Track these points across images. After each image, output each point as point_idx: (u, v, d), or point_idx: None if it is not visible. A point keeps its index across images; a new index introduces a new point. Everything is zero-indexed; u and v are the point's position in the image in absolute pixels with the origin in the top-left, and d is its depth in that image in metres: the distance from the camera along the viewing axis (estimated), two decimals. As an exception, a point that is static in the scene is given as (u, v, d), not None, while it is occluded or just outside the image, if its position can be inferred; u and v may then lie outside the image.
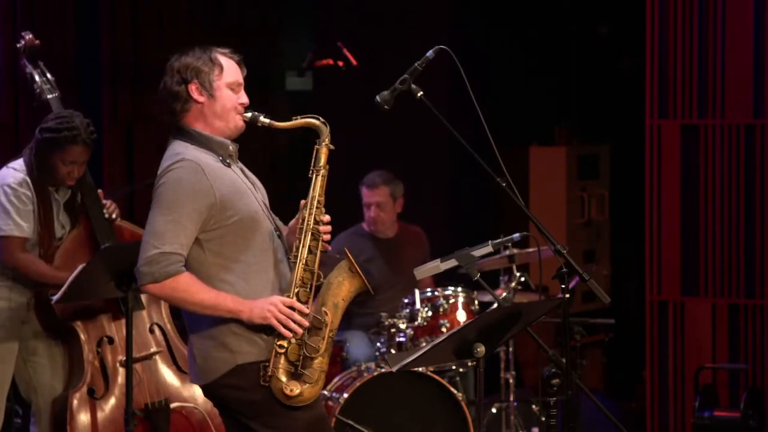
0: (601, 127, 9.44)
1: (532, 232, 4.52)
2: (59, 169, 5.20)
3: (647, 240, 7.03)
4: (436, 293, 6.45)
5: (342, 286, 4.13)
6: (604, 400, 7.06)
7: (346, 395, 5.88)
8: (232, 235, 4.07)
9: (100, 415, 5.25)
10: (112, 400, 5.29)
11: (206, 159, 4.10)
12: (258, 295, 4.06)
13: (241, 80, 4.20)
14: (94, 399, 5.26)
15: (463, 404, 6.01)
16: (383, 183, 6.96)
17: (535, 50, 9.21)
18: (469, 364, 6.28)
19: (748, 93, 6.79)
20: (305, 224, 4.13)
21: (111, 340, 5.34)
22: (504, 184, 4.23)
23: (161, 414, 5.32)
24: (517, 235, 4.70)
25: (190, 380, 4.26)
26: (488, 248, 4.38)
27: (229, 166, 4.16)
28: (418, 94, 4.27)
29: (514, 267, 6.63)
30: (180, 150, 4.10)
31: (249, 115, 4.18)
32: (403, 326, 6.30)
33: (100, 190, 5.43)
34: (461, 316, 6.40)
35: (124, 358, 5.11)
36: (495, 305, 4.55)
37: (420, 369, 5.95)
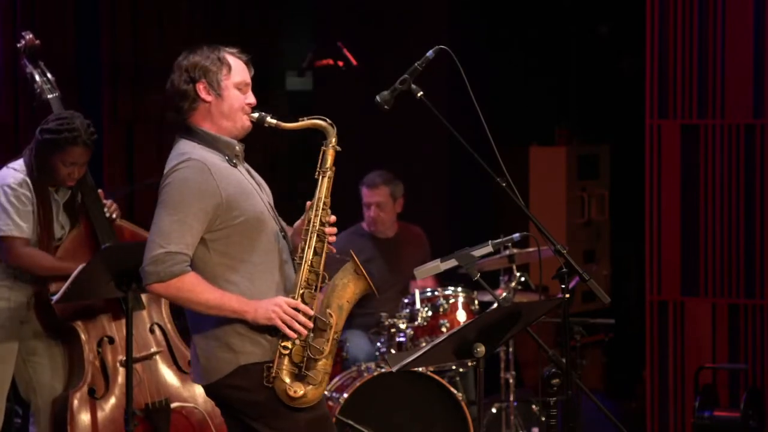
0: (601, 127, 9.44)
1: (532, 232, 4.52)
2: (59, 170, 5.20)
3: (647, 240, 7.03)
4: (436, 293, 6.45)
5: (347, 288, 4.13)
6: (604, 400, 7.06)
7: (346, 395, 5.88)
8: (237, 236, 4.06)
9: (100, 414, 5.25)
10: (113, 400, 5.29)
11: (213, 159, 4.09)
12: (263, 295, 4.06)
13: (249, 80, 4.19)
14: (94, 399, 5.26)
15: (463, 404, 6.01)
16: (383, 183, 6.96)
17: (535, 50, 9.21)
18: (469, 364, 6.28)
19: (748, 93, 6.79)
20: (311, 225, 4.12)
21: (111, 340, 5.34)
22: (504, 184, 4.23)
23: (161, 414, 5.32)
24: (517, 235, 4.70)
25: (192, 380, 4.26)
26: (488, 248, 4.38)
27: (235, 166, 4.15)
28: (418, 94, 4.27)
29: (514, 267, 6.63)
30: (187, 149, 4.09)
31: (256, 115, 4.18)
32: (403, 326, 6.30)
33: (100, 190, 5.43)
34: (461, 316, 6.40)
35: (125, 357, 5.11)
36: (495, 305, 4.55)
37: (420, 369, 5.95)
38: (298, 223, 4.24)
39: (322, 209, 4.14)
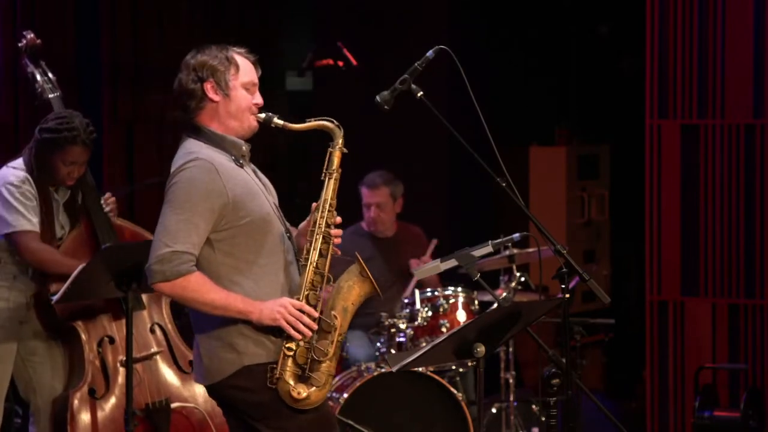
0: (601, 127, 9.44)
1: (532, 232, 4.52)
2: (59, 169, 5.20)
3: (647, 240, 7.03)
4: (436, 293, 6.45)
5: (352, 291, 4.13)
6: (604, 400, 7.06)
7: (346, 395, 5.88)
8: (243, 236, 4.06)
9: (100, 414, 5.25)
10: (113, 400, 5.29)
11: (220, 158, 4.08)
12: (267, 296, 4.05)
13: (257, 81, 4.19)
14: (94, 399, 5.26)
15: (463, 404, 6.01)
16: (383, 183, 6.96)
17: (535, 50, 9.21)
18: (469, 364, 6.28)
19: (748, 93, 6.79)
20: (317, 227, 4.12)
21: (112, 340, 5.33)
22: (504, 184, 4.22)
23: (162, 414, 5.31)
24: (517, 235, 4.70)
25: (195, 380, 4.26)
26: (488, 248, 4.38)
27: (241, 166, 4.15)
28: (418, 94, 4.27)
29: (514, 267, 6.63)
30: (194, 149, 4.09)
31: (263, 116, 4.17)
32: (403, 326, 6.30)
33: (108, 193, 5.43)
34: (461, 316, 6.40)
35: (125, 357, 5.11)
36: (495, 305, 4.55)
37: (420, 369, 5.95)
38: (303, 224, 4.24)
39: (328, 211, 4.14)
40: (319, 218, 4.13)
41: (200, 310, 4.04)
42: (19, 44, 5.53)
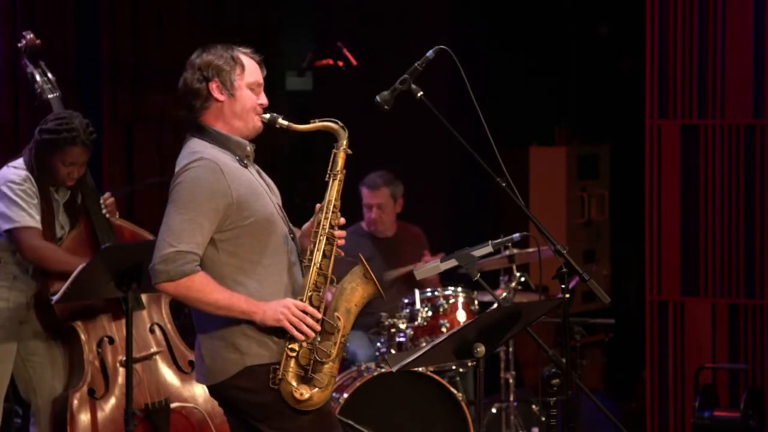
0: (601, 127, 9.44)
1: (532, 232, 4.52)
2: (59, 169, 5.20)
3: (647, 240, 7.03)
4: (436, 293, 6.45)
5: (355, 292, 4.12)
6: (604, 400, 7.06)
7: (346, 395, 5.88)
8: (247, 236, 4.05)
9: (100, 415, 5.25)
10: (113, 400, 5.29)
11: (224, 158, 4.08)
12: (270, 297, 4.04)
13: (262, 81, 4.18)
14: (94, 399, 5.26)
15: (463, 404, 6.01)
16: (384, 184, 6.96)
17: (535, 50, 9.21)
18: (469, 364, 6.28)
19: (748, 93, 6.79)
20: (320, 228, 4.11)
21: (111, 340, 5.33)
22: (504, 184, 4.22)
23: (161, 414, 5.31)
24: (517, 235, 4.70)
25: (196, 380, 4.25)
26: (488, 248, 4.38)
27: (246, 166, 4.14)
28: (418, 94, 4.27)
29: (514, 267, 6.63)
30: (198, 148, 4.08)
31: (267, 116, 4.16)
32: (403, 326, 6.30)
33: (107, 193, 5.43)
34: (461, 316, 6.40)
35: (125, 357, 5.11)
36: (495, 305, 4.55)
37: (420, 369, 5.95)
38: (306, 225, 4.23)
39: (332, 212, 4.13)
40: (323, 219, 4.12)
41: (204, 310, 4.03)
42: (19, 44, 5.53)
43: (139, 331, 5.34)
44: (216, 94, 4.12)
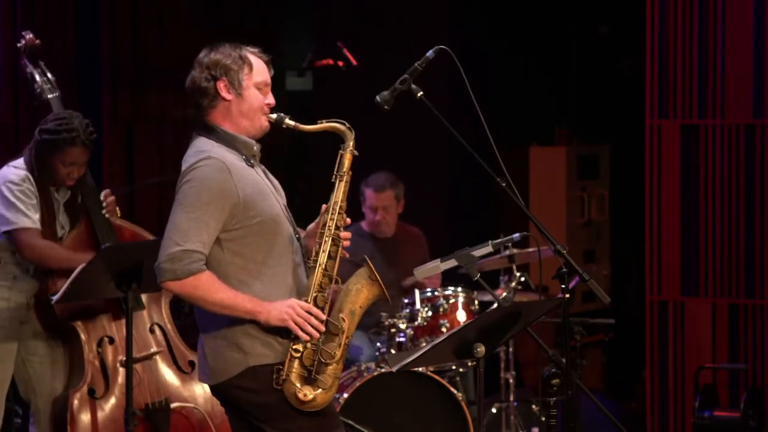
0: (601, 127, 9.44)
1: (532, 232, 4.52)
2: (59, 170, 5.20)
3: (647, 240, 7.03)
4: (436, 293, 6.45)
5: (360, 294, 4.12)
6: (604, 400, 7.06)
7: (346, 395, 5.88)
8: (253, 236, 4.05)
9: (100, 414, 5.25)
10: (113, 400, 5.29)
11: (231, 158, 4.07)
12: (275, 297, 4.04)
13: (269, 81, 4.18)
14: (94, 399, 5.26)
15: (463, 404, 6.01)
16: (390, 187, 6.95)
17: (535, 50, 9.21)
18: (469, 364, 6.28)
19: (748, 93, 6.79)
20: (326, 229, 4.12)
21: (111, 340, 5.33)
22: (504, 184, 4.22)
23: (161, 414, 5.31)
24: (517, 235, 4.69)
25: (198, 379, 4.25)
26: (488, 248, 4.38)
27: (252, 166, 4.14)
28: (418, 94, 4.27)
29: (514, 267, 6.63)
30: (206, 147, 4.07)
31: (274, 116, 4.16)
32: (403, 326, 6.30)
33: (107, 191, 5.43)
34: (461, 316, 6.40)
35: (125, 357, 5.11)
36: (495, 305, 4.55)
37: (420, 369, 5.95)
38: (311, 226, 4.23)
39: (338, 213, 4.14)
40: (329, 220, 4.12)
41: (208, 309, 4.02)
42: (19, 44, 5.54)
43: (139, 331, 5.34)
44: (224, 93, 4.11)
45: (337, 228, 4.13)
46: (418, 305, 6.39)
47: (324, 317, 4.04)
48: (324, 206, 4.16)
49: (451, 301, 6.43)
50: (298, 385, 4.01)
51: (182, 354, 5.42)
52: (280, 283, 4.09)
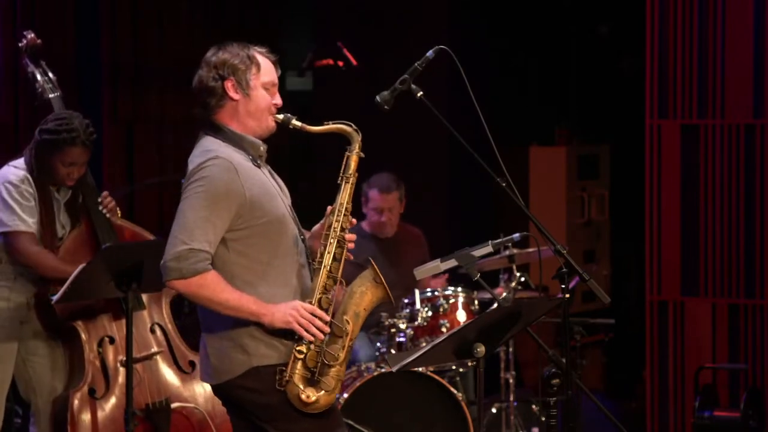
0: (601, 127, 9.44)
1: (532, 232, 4.52)
2: (59, 170, 5.20)
3: (647, 240, 7.03)
4: (436, 293, 6.45)
5: (365, 296, 4.11)
6: (604, 400, 7.06)
7: (346, 395, 5.88)
8: (258, 237, 4.05)
9: (100, 414, 5.25)
10: (113, 400, 5.29)
11: (238, 158, 4.07)
12: (279, 298, 4.04)
13: (276, 81, 4.17)
14: (94, 399, 5.26)
15: (463, 404, 6.01)
16: (396, 188, 6.94)
17: (535, 50, 9.21)
18: (469, 364, 6.28)
19: (748, 93, 6.79)
20: (332, 231, 4.11)
21: (112, 340, 5.33)
22: (504, 184, 4.22)
23: (162, 414, 5.31)
24: (517, 235, 4.70)
25: (201, 378, 4.25)
26: (488, 248, 4.38)
27: (258, 166, 4.14)
28: (418, 94, 4.27)
29: (514, 267, 6.63)
30: (213, 147, 4.07)
31: (281, 116, 4.16)
32: (403, 326, 6.30)
33: (105, 192, 5.43)
34: (461, 316, 6.40)
35: (125, 357, 5.11)
36: (495, 305, 4.55)
37: (420, 369, 5.95)
38: (316, 227, 4.23)
39: (344, 215, 4.13)
40: (334, 222, 4.12)
41: (213, 309, 4.02)
42: (20, 44, 5.53)
43: (139, 330, 5.34)
44: (231, 93, 4.11)
45: (343, 230, 4.12)
46: (418, 305, 6.39)
47: (328, 319, 4.04)
48: (329, 208, 4.16)
49: (451, 301, 6.43)
50: (301, 386, 4.01)
51: (183, 354, 5.42)
52: (284, 283, 4.08)
